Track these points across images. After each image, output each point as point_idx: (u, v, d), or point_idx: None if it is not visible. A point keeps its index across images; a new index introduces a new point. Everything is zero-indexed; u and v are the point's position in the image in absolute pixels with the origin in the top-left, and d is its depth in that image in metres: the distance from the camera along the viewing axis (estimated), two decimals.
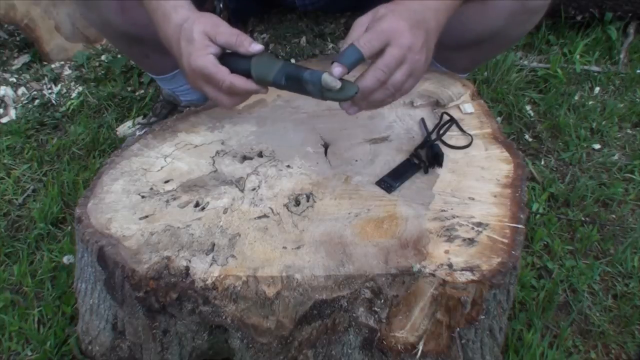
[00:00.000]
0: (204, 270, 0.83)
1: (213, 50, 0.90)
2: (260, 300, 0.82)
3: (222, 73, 0.89)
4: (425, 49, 0.88)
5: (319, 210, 0.92)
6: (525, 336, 1.17)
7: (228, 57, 0.91)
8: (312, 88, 0.87)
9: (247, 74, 0.90)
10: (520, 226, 0.89)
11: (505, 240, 0.87)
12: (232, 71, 0.90)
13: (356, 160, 1.03)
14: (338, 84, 0.85)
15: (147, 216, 0.92)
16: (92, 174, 1.54)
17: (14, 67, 2.04)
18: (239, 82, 0.89)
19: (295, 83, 0.88)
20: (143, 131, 1.46)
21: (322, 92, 0.86)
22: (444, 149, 1.03)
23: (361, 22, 0.89)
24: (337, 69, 0.84)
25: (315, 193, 0.96)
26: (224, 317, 0.84)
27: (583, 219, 1.46)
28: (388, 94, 0.88)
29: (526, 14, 1.18)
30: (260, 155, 1.04)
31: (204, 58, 0.88)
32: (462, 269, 0.82)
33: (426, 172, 0.99)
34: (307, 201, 0.94)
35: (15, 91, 1.94)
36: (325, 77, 0.85)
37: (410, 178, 0.98)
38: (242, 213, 0.92)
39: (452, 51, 1.26)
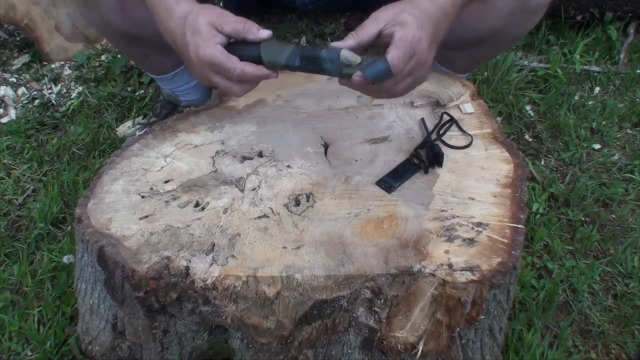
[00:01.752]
0: (204, 270, 0.83)
1: (220, 39, 0.90)
2: (260, 300, 0.82)
3: (233, 61, 0.89)
4: (431, 65, 0.90)
5: (319, 210, 0.92)
6: (525, 336, 1.17)
7: (235, 46, 0.91)
8: (329, 65, 0.86)
9: (256, 60, 0.90)
10: (520, 226, 0.89)
11: (505, 240, 0.87)
12: (241, 58, 0.90)
13: (356, 160, 1.03)
14: (357, 59, 0.85)
15: (147, 216, 0.92)
16: (92, 174, 1.54)
17: (14, 67, 2.04)
18: (250, 69, 0.90)
19: (310, 63, 0.88)
20: (143, 131, 1.46)
21: (341, 69, 0.86)
22: (444, 149, 1.03)
23: (379, 17, 0.88)
24: (358, 75, 0.85)
25: (315, 193, 0.96)
26: (224, 317, 0.84)
27: (583, 219, 1.46)
28: (382, 96, 0.92)
29: (526, 13, 1.18)
30: (260, 155, 1.04)
31: (212, 48, 0.89)
32: (462, 269, 0.82)
33: (426, 172, 0.99)
34: (307, 201, 0.94)
35: (15, 91, 1.94)
36: (344, 53, 0.85)
37: (410, 178, 0.98)
38: (242, 213, 0.92)
39: (452, 51, 1.26)
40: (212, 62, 0.89)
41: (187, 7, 0.93)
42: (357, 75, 0.85)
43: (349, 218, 0.91)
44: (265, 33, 0.91)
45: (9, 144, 1.70)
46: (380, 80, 0.85)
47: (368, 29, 0.87)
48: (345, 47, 0.86)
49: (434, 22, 0.88)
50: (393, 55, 0.84)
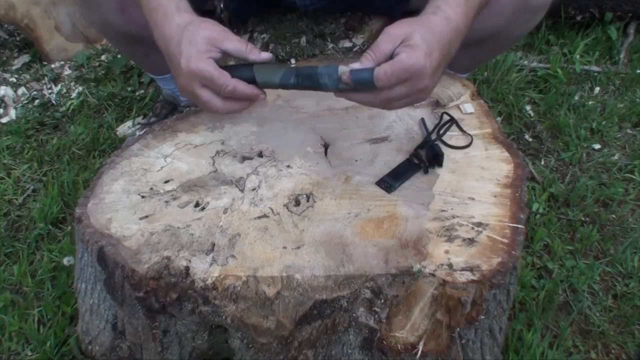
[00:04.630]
0: (204, 270, 0.83)
1: (214, 55, 0.90)
2: (260, 300, 0.82)
3: (225, 77, 0.89)
4: (434, 86, 0.89)
5: (319, 210, 0.92)
6: (525, 336, 1.17)
7: (227, 67, 0.92)
8: (327, 80, 0.88)
9: (248, 81, 0.91)
10: (520, 226, 0.89)
11: (505, 240, 0.87)
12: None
13: (356, 160, 1.03)
14: None
15: (147, 216, 0.92)
16: (92, 174, 1.54)
17: (14, 67, 2.04)
18: (242, 86, 0.90)
19: (306, 79, 0.90)
20: (143, 131, 1.46)
21: (337, 84, 0.88)
22: (444, 149, 1.03)
23: (393, 35, 0.86)
24: (346, 76, 0.86)
25: (315, 193, 0.96)
26: (224, 317, 0.84)
27: (583, 219, 1.46)
28: (380, 108, 0.92)
29: (528, 13, 1.18)
30: (260, 155, 1.04)
31: (204, 61, 0.88)
32: (462, 269, 0.82)
33: (426, 172, 0.99)
34: (307, 201, 0.94)
35: (15, 91, 1.94)
36: (342, 68, 0.86)
37: (410, 178, 0.98)
38: (242, 213, 0.92)
39: None
40: (203, 76, 0.88)
41: (188, 17, 0.92)
42: (345, 76, 0.86)
43: (349, 218, 0.91)
44: (266, 55, 0.92)
45: (9, 144, 1.70)
46: (362, 88, 0.86)
47: (383, 48, 0.86)
48: (362, 68, 0.85)
49: (445, 45, 0.87)
50: (380, 69, 0.83)
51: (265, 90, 0.93)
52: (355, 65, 0.86)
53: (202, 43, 0.89)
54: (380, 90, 0.85)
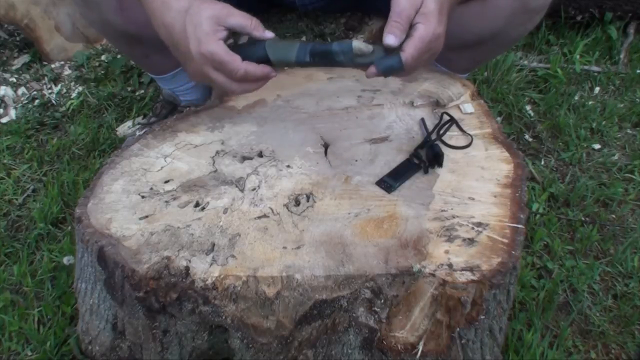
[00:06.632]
0: (204, 270, 0.83)
1: (222, 35, 0.89)
2: (260, 300, 0.82)
3: (236, 61, 0.88)
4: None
5: (319, 210, 0.92)
6: (525, 336, 1.17)
7: (237, 47, 0.92)
8: (342, 58, 0.90)
9: (261, 61, 0.91)
10: (520, 226, 0.89)
11: (505, 240, 0.87)
12: (246, 58, 0.90)
13: (356, 160, 1.03)
14: (370, 48, 0.89)
15: (147, 216, 0.92)
16: (92, 174, 1.54)
17: (14, 67, 2.04)
18: (253, 68, 0.90)
19: (321, 58, 0.92)
20: (143, 131, 1.46)
21: (353, 59, 0.90)
22: (444, 149, 1.03)
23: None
24: (372, 70, 0.89)
25: (315, 193, 0.96)
26: (224, 317, 0.84)
27: (583, 219, 1.46)
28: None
29: (527, 13, 1.18)
30: (260, 155, 1.04)
31: (215, 44, 0.87)
32: (462, 269, 0.82)
33: (426, 172, 0.99)
34: (307, 201, 0.94)
35: (15, 91, 1.94)
36: (356, 44, 0.89)
37: (410, 178, 0.98)
38: (242, 213, 0.92)
39: (452, 51, 1.26)
40: (214, 59, 0.88)
41: (187, 1, 0.91)
42: (370, 71, 0.89)
43: (349, 218, 0.91)
44: (269, 34, 0.92)
45: (9, 144, 1.70)
46: (390, 74, 0.90)
47: (409, 14, 0.86)
48: (398, 41, 0.86)
49: (449, 4, 0.91)
50: (408, 55, 0.86)
51: (267, 85, 0.94)
52: (390, 40, 0.86)
53: (207, 24, 0.88)
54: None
